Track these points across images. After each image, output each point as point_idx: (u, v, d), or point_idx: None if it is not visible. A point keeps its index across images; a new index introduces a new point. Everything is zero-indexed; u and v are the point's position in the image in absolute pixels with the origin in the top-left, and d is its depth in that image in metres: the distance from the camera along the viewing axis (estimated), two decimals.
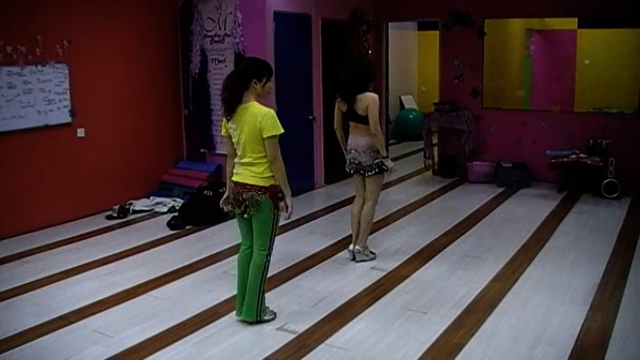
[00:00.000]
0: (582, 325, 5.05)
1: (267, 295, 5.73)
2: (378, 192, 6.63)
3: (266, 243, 5.03)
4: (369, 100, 6.24)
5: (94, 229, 8.00)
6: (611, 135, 9.63)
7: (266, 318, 5.18)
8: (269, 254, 5.07)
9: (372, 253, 6.76)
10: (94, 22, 8.41)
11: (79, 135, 8.37)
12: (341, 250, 6.99)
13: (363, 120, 6.30)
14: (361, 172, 6.50)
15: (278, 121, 4.82)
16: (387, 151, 6.48)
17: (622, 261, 6.59)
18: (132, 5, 8.95)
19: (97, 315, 5.42)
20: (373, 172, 6.41)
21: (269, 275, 5.28)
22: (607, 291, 5.78)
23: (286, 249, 7.11)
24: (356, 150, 6.47)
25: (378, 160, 6.38)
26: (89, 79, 8.42)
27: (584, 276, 6.16)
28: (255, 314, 5.12)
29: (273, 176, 4.89)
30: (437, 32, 11.23)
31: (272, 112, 4.84)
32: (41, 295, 5.91)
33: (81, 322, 5.27)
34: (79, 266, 6.65)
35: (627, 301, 5.53)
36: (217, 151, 9.58)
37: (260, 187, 4.88)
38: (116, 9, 8.71)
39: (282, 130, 4.82)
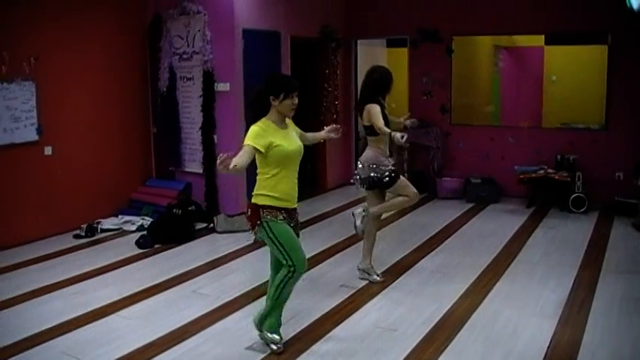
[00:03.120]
0: (551, 339, 5.08)
1: (237, 313, 5.74)
2: (376, 206, 6.56)
3: (281, 258, 4.83)
4: (367, 109, 6.28)
5: (61, 248, 7.90)
6: (578, 150, 9.75)
7: (268, 336, 4.97)
8: (290, 269, 4.78)
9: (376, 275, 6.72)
10: (61, 39, 8.34)
11: (46, 153, 8.28)
12: (311, 268, 6.96)
13: (367, 130, 6.38)
14: (364, 186, 6.48)
15: (253, 134, 4.69)
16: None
17: (590, 274, 6.65)
18: (100, 22, 8.89)
19: (64, 336, 5.34)
20: (367, 185, 6.41)
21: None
22: (576, 304, 5.82)
23: (255, 267, 7.09)
24: (361, 163, 6.46)
25: (374, 175, 6.32)
26: (57, 97, 8.34)
27: (553, 290, 6.20)
28: (259, 319, 5.03)
29: (260, 195, 4.79)
30: (406, 49, 11.31)
31: (253, 126, 4.76)
32: (6, 315, 5.81)
33: (47, 344, 5.19)
34: (46, 286, 6.55)
35: (595, 314, 5.57)
36: (186, 169, 9.54)
37: (250, 204, 4.88)
38: (84, 26, 8.65)
39: (250, 143, 4.65)
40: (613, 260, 7.16)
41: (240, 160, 4.52)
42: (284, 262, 4.80)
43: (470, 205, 9.98)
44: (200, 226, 8.77)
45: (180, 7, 9.15)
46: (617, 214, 9.13)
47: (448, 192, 10.50)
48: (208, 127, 9.11)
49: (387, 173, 6.30)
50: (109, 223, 8.78)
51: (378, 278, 6.58)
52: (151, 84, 9.73)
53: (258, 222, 4.79)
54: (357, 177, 6.48)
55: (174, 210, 8.64)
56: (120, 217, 8.98)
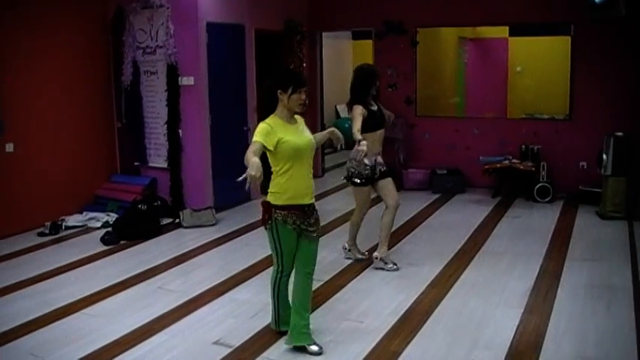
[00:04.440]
0: (517, 328, 5.12)
1: (204, 308, 5.71)
2: (359, 202, 6.92)
3: (274, 257, 4.91)
4: (353, 109, 6.49)
5: (25, 246, 7.79)
6: (542, 140, 9.84)
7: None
8: (279, 271, 4.91)
9: (361, 253, 7.08)
10: (21, 34, 8.21)
11: (7, 150, 8.15)
12: None
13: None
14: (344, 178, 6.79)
15: (262, 132, 4.61)
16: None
17: (555, 263, 6.73)
18: (61, 16, 8.76)
19: (30, 335, 5.28)
20: (348, 180, 6.71)
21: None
22: (541, 293, 5.88)
23: (222, 261, 7.07)
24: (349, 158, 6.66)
25: (352, 170, 6.59)
26: (18, 93, 8.21)
27: (518, 279, 6.26)
28: (274, 323, 5.14)
29: (274, 192, 4.73)
30: (371, 41, 11.31)
31: (261, 124, 4.69)
32: None
33: (12, 344, 5.12)
34: (10, 285, 6.45)
35: (560, 303, 5.64)
36: (151, 164, 9.48)
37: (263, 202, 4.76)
38: (45, 20, 8.52)
39: (257, 140, 4.58)
40: (577, 248, 7.25)
41: (254, 159, 4.39)
42: (275, 261, 4.90)
43: (436, 196, 10.03)
44: (166, 221, 8.71)
45: (143, 0, 9.06)
46: (581, 203, 9.24)
47: (414, 183, 10.55)
48: (173, 121, 9.04)
49: (365, 173, 6.59)
50: (73, 220, 8.68)
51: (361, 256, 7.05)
52: (114, 78, 9.61)
53: (269, 221, 4.74)
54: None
55: (140, 205, 8.58)
56: (84, 213, 8.88)
